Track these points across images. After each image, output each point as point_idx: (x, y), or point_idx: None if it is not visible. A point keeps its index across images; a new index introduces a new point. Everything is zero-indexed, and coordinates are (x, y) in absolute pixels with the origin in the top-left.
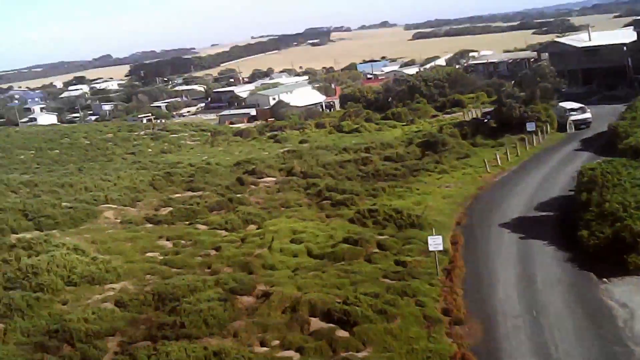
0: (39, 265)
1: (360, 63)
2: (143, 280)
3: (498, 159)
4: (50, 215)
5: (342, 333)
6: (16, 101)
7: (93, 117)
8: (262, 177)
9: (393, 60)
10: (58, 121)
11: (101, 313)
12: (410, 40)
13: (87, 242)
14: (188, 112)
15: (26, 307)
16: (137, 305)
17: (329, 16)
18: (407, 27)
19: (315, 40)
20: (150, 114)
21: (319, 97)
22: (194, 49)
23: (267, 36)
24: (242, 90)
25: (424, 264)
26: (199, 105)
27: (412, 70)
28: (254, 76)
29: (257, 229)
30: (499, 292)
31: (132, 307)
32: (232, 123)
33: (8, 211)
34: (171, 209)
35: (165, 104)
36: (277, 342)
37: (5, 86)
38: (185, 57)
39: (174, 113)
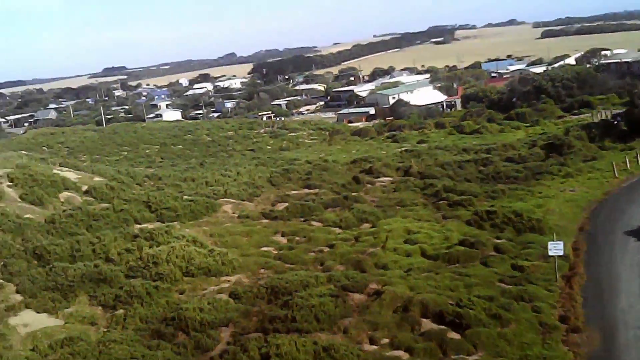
0: (159, 256)
1: (485, 62)
2: (257, 274)
3: (627, 163)
4: (171, 207)
5: (453, 335)
6: (144, 98)
7: (215, 114)
8: (379, 176)
9: (519, 59)
10: (182, 117)
11: (216, 304)
12: (539, 38)
13: (205, 235)
14: (307, 110)
15: (145, 295)
16: (250, 298)
17: (454, 14)
18: (536, 24)
19: (439, 39)
20: (270, 112)
21: (439, 97)
22: (316, 47)
23: (390, 34)
24: (362, 89)
25: (543, 270)
26: (318, 104)
27: (539, 70)
28: (375, 75)
29: (372, 227)
30: (621, 302)
31: (245, 300)
32: (350, 122)
33: (132, 202)
34: (287, 205)
35: (286, 102)
36: (386, 340)
37: (134, 83)
38: (307, 55)
39: (294, 111)
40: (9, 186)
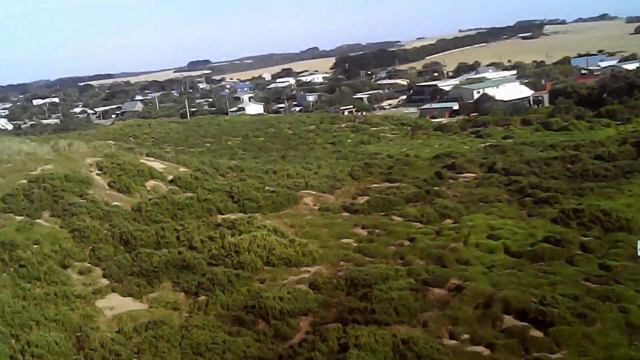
0: (241, 245)
1: (575, 57)
2: (337, 266)
3: None
4: (253, 198)
5: (535, 333)
6: (227, 91)
7: (297, 108)
8: (462, 172)
9: (611, 55)
10: (264, 111)
11: (296, 293)
12: (632, 34)
13: (286, 226)
14: (389, 105)
15: (227, 282)
16: (329, 289)
17: (543, 9)
18: (629, 19)
19: (526, 34)
20: (351, 106)
21: (526, 92)
22: (399, 41)
23: (476, 29)
24: (446, 84)
25: (632, 270)
26: (400, 98)
27: (632, 66)
28: (459, 70)
29: (454, 223)
30: None
31: (325, 290)
32: (433, 117)
33: (216, 192)
34: (368, 198)
35: (367, 96)
36: (467, 336)
37: (218, 77)
38: (391, 50)
39: (375, 106)
40: (98, 174)
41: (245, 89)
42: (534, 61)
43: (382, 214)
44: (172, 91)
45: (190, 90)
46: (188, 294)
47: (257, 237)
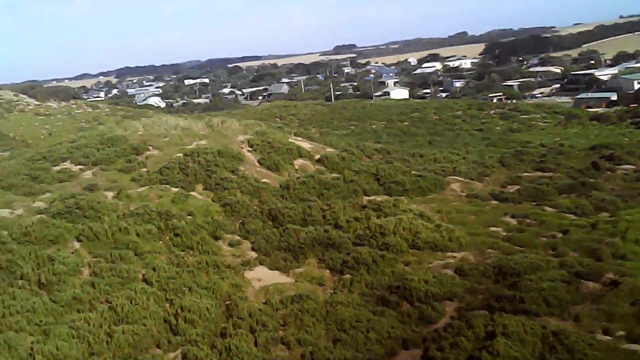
0: (387, 227)
1: None
2: (484, 253)
3: None
4: (400, 181)
5: None
6: (372, 75)
7: (443, 94)
8: (620, 164)
9: None
10: (410, 96)
11: (441, 278)
12: None
13: (432, 211)
14: (541, 93)
15: (372, 262)
16: (476, 276)
17: None
18: None
19: None
20: (501, 93)
21: None
22: (554, 27)
23: (638, 15)
24: (603, 74)
25: None
26: (553, 87)
27: None
28: (618, 59)
29: (610, 216)
30: None
31: (471, 277)
32: (588, 107)
33: (362, 174)
34: (519, 187)
35: (518, 83)
36: (622, 333)
37: (363, 61)
38: (544, 35)
39: (526, 94)
40: (248, 151)
41: (391, 73)
42: None
43: (533, 203)
44: (318, 75)
45: (336, 74)
46: (333, 271)
47: (403, 220)
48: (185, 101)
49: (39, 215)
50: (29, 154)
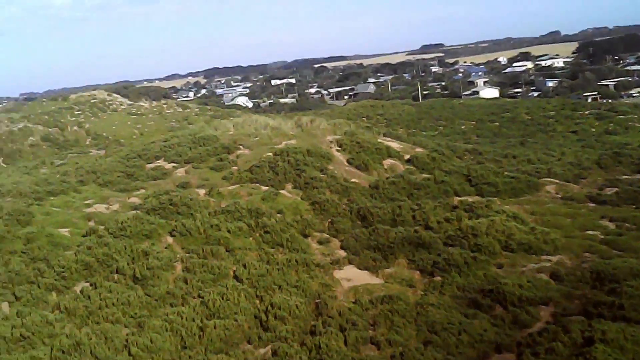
0: (479, 228)
1: None
2: (581, 257)
3: None
4: (492, 182)
5: None
6: (460, 74)
7: (535, 93)
8: None
9: None
10: (500, 95)
11: (536, 282)
12: None
13: (526, 213)
14: (639, 92)
15: (463, 264)
16: (572, 281)
17: None
18: None
19: None
20: (596, 93)
21: None
22: None
23: None
24: None
25: None
26: None
27: None
28: None
29: None
30: None
31: (567, 282)
32: None
33: (453, 175)
34: (617, 190)
35: (614, 83)
36: None
37: (451, 60)
38: None
39: (623, 93)
40: (337, 150)
41: (480, 73)
42: None
43: (633, 207)
44: (404, 74)
45: (423, 74)
46: (423, 272)
47: (496, 221)
48: (272, 101)
49: (133, 211)
50: (123, 152)
